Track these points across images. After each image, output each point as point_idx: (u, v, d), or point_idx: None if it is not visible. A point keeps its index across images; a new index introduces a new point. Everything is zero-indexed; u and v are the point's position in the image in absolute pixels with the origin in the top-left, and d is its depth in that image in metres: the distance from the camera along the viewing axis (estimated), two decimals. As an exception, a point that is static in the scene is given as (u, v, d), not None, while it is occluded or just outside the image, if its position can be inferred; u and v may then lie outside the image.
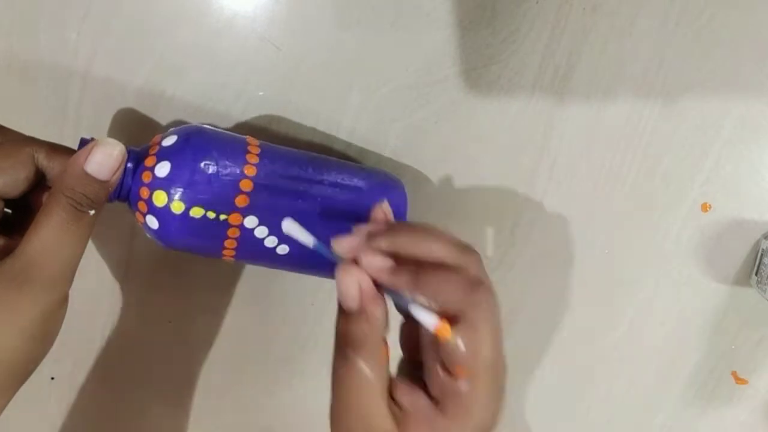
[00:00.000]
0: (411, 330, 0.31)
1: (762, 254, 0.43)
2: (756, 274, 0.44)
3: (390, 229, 0.31)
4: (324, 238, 0.34)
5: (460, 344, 0.27)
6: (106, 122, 0.42)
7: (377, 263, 0.29)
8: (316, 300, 0.46)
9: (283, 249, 0.35)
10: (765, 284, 0.42)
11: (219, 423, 0.48)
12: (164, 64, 0.41)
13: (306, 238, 0.31)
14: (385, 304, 0.30)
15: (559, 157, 0.44)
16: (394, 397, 0.29)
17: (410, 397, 0.29)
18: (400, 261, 0.29)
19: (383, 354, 0.29)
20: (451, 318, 0.28)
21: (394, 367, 0.33)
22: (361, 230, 0.31)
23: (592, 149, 0.43)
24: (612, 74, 0.42)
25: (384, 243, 0.29)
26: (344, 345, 0.29)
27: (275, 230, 0.34)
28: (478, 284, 0.28)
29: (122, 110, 0.42)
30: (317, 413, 0.48)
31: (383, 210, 0.34)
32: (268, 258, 0.36)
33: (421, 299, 0.28)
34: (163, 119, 0.42)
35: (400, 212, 0.38)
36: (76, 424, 0.48)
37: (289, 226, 0.31)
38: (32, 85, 0.41)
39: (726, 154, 0.43)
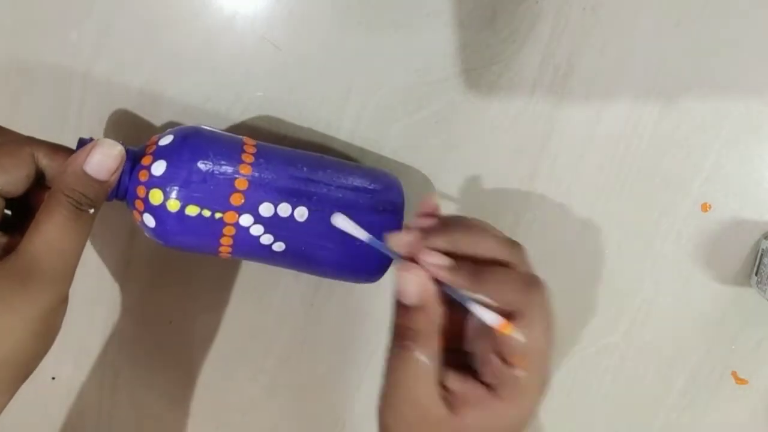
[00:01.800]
0: (452, 320, 0.32)
1: (762, 254, 0.43)
2: (756, 274, 0.44)
3: (445, 226, 0.32)
4: (321, 235, 0.35)
5: (521, 338, 0.29)
6: (107, 122, 0.42)
7: (437, 262, 0.30)
8: (315, 300, 0.46)
9: (279, 246, 0.36)
10: (765, 284, 0.42)
11: (219, 423, 0.48)
12: (164, 64, 0.41)
13: (359, 233, 0.31)
14: (442, 300, 0.31)
15: (559, 157, 0.44)
16: (444, 383, 0.31)
17: (463, 383, 0.30)
18: (455, 258, 0.30)
19: (439, 344, 0.31)
20: (508, 314, 0.29)
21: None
22: (416, 225, 0.32)
23: (592, 149, 0.43)
24: (612, 74, 0.42)
25: (440, 241, 0.31)
26: (403, 336, 0.30)
27: (270, 228, 0.34)
28: (533, 282, 0.30)
29: (123, 110, 0.42)
30: (318, 413, 0.48)
31: (431, 204, 0.34)
32: (264, 255, 0.36)
33: (480, 297, 0.29)
34: (164, 119, 0.42)
35: (397, 211, 0.38)
36: (76, 424, 0.48)
37: (340, 221, 0.31)
38: (33, 85, 0.42)
39: (726, 154, 0.43)
